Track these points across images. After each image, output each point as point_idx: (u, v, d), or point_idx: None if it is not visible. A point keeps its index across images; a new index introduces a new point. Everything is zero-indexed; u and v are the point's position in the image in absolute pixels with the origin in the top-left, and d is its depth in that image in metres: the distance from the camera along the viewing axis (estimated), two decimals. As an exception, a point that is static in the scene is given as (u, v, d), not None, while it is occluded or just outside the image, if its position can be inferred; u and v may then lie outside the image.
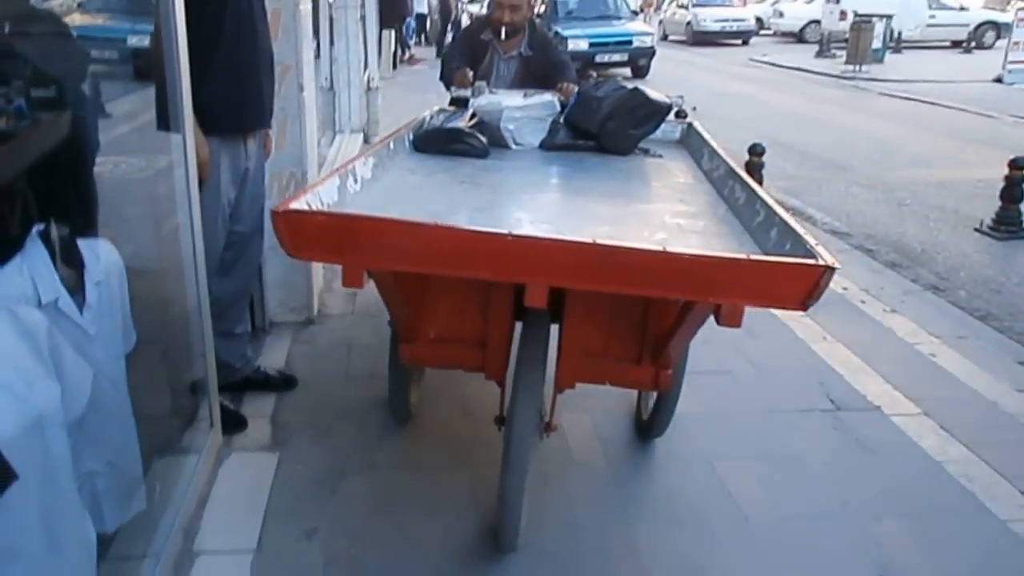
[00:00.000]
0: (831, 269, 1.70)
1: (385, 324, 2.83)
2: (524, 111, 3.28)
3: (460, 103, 3.64)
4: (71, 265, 2.06)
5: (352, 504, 2.69)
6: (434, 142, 3.09)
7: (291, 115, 3.64)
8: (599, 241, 1.79)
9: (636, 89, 3.26)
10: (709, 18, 24.10)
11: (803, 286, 1.71)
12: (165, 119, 2.63)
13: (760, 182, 6.21)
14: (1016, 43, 14.51)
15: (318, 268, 4.18)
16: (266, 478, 2.82)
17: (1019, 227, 5.95)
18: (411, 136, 3.20)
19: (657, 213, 2.48)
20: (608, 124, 3.14)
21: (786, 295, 1.75)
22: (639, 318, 2.59)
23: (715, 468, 2.91)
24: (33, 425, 1.77)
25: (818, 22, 22.34)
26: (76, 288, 2.06)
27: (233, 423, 3.06)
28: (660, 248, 1.78)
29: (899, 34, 19.88)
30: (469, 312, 2.69)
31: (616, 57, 15.94)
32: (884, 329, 4.19)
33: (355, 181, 2.41)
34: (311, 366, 3.59)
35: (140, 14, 3.37)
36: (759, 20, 26.43)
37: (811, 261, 1.73)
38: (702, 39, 23.66)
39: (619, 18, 17.07)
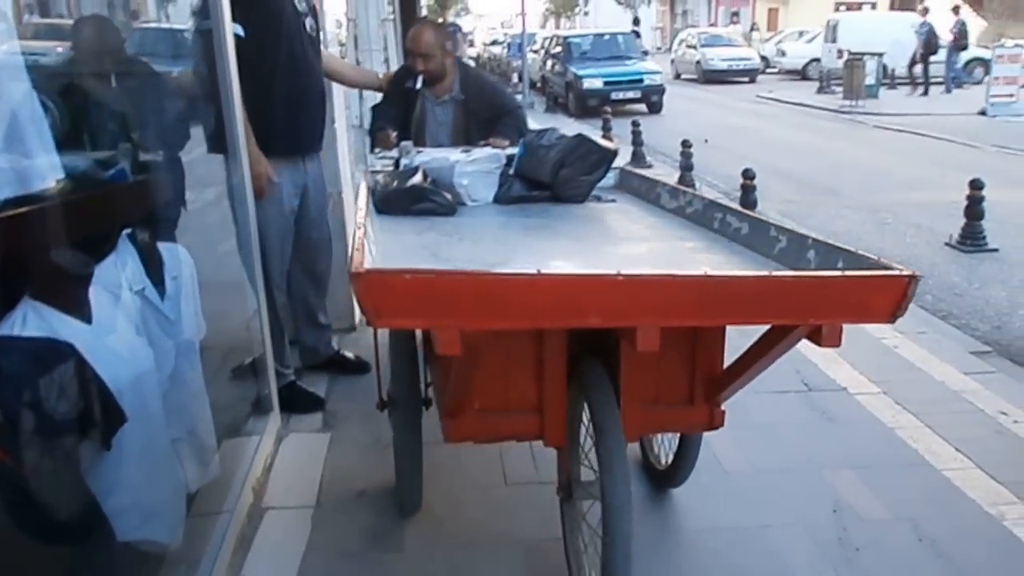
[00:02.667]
0: (916, 278, 1.72)
1: None
2: (475, 165, 3.14)
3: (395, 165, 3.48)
4: (153, 262, 2.48)
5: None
6: (397, 202, 2.90)
7: (327, 144, 4.12)
8: (709, 272, 1.75)
9: (582, 136, 3.20)
10: (717, 57, 25.14)
11: (893, 298, 1.74)
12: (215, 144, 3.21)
13: (754, 204, 6.82)
14: (997, 78, 15.22)
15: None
16: (320, 453, 3.37)
17: (983, 240, 6.57)
18: (371, 198, 2.98)
19: (671, 250, 2.43)
20: (562, 172, 3.06)
21: (878, 308, 1.77)
22: (688, 354, 2.42)
23: (702, 436, 3.42)
24: (136, 382, 2.21)
25: (819, 60, 23.12)
26: (157, 281, 2.49)
27: (313, 403, 3.71)
28: (767, 273, 1.79)
29: (892, 71, 20.55)
30: (519, 373, 2.39)
31: (630, 94, 17.14)
32: (855, 327, 4.70)
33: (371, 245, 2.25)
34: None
35: (177, 57, 3.78)
36: (764, 59, 27.32)
37: (896, 272, 1.75)
38: (712, 77, 24.63)
39: (630, 58, 18.32)
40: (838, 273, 1.78)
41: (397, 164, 3.29)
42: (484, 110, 3.86)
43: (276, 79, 3.33)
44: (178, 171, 3.01)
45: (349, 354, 4.12)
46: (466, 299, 1.65)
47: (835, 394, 3.85)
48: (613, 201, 3.19)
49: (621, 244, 2.62)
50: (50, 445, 1.88)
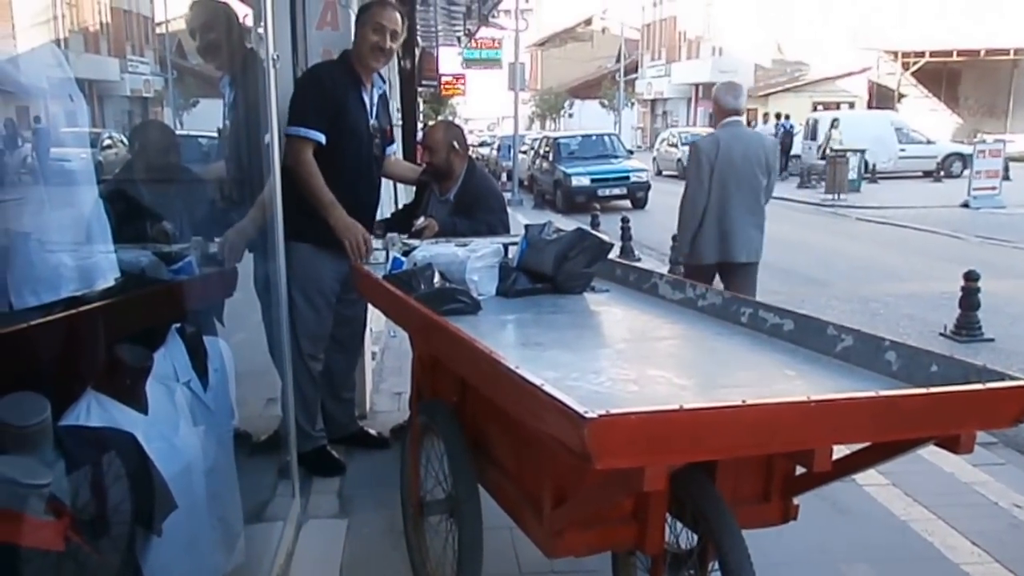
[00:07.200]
0: None
1: None
2: (483, 261, 3.23)
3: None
4: (198, 355, 2.67)
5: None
6: (427, 304, 2.80)
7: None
8: (881, 393, 1.81)
9: (583, 229, 3.30)
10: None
11: (1020, 406, 1.84)
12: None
13: (748, 297, 6.93)
14: (978, 172, 15.82)
15: (368, 370, 4.80)
16: (339, 539, 3.38)
17: (979, 330, 6.69)
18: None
19: (733, 350, 2.51)
20: (565, 265, 3.15)
21: (1006, 415, 1.87)
22: (766, 455, 2.37)
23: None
24: (184, 471, 2.31)
25: (799, 157, 23.79)
26: (201, 372, 2.67)
27: (337, 468, 3.96)
28: (928, 391, 1.84)
29: (874, 166, 21.22)
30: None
31: (616, 191, 17.74)
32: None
33: None
34: (366, 451, 4.18)
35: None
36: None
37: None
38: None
39: (616, 156, 19.02)
40: (985, 386, 1.86)
41: (386, 255, 3.47)
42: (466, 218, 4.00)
43: (341, 180, 3.69)
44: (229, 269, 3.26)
45: (372, 431, 4.33)
46: (677, 434, 1.65)
47: (844, 485, 3.86)
48: (607, 291, 3.28)
49: (669, 340, 2.71)
50: (114, 530, 1.96)
